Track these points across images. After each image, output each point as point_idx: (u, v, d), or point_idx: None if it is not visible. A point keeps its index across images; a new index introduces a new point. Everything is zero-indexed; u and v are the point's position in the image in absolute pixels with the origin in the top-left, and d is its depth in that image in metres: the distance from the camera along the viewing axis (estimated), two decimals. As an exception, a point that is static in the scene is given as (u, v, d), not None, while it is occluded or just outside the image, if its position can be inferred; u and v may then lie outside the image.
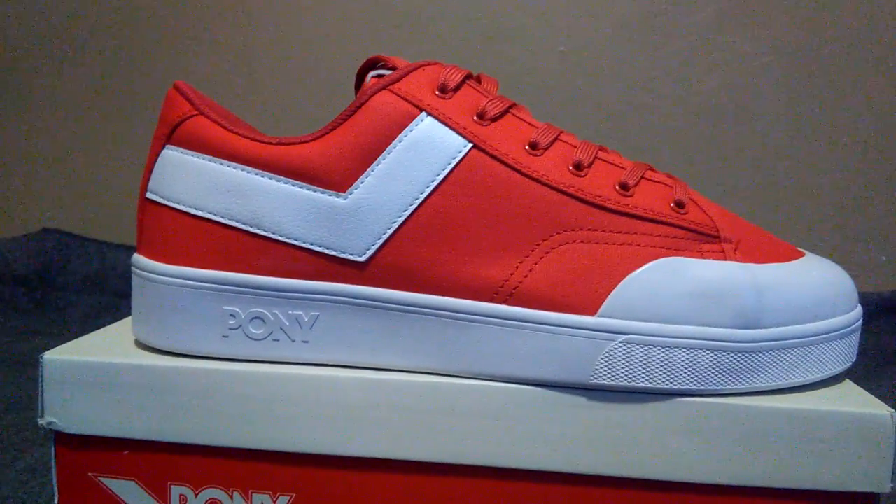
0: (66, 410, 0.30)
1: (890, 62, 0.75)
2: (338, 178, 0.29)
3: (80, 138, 0.89)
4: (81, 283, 0.84)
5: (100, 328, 0.36)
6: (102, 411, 0.30)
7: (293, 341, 0.30)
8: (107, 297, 0.82)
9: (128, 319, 0.36)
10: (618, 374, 0.28)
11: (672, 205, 0.30)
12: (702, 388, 0.28)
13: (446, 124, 0.29)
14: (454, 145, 0.29)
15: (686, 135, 0.78)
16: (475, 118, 0.30)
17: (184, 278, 0.30)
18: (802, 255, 0.32)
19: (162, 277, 0.30)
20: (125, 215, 0.88)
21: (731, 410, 0.28)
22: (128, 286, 0.35)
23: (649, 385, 0.28)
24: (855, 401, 0.29)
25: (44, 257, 0.85)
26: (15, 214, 0.91)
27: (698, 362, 0.28)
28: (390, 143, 0.29)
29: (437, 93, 0.30)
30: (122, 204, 0.88)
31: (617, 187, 0.30)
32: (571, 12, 0.79)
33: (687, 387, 0.28)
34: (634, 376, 0.28)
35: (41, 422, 0.30)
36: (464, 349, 0.29)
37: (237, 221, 0.30)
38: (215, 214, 0.30)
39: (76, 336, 0.33)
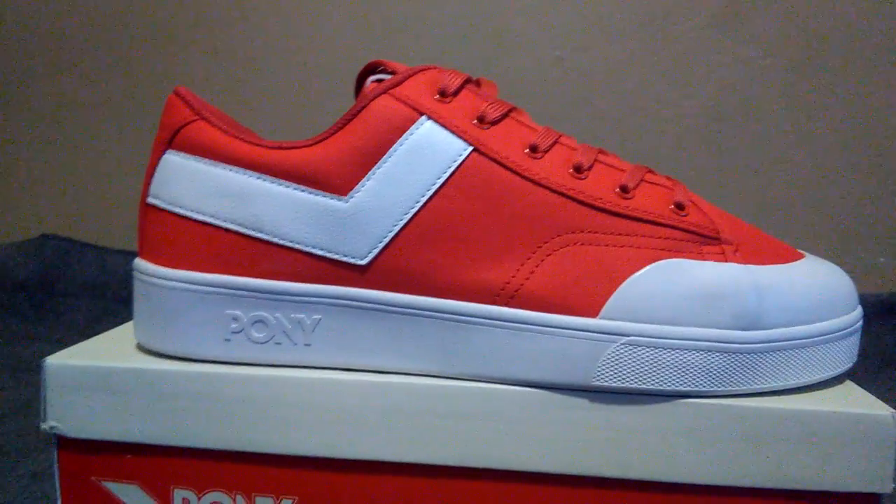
0: (68, 415, 0.30)
1: (888, 64, 0.75)
2: (339, 182, 0.29)
3: (78, 144, 0.89)
4: (81, 289, 0.84)
5: (99, 333, 0.35)
6: (105, 416, 0.30)
7: (295, 345, 0.30)
8: (106, 303, 0.82)
9: (130, 324, 0.36)
10: (619, 376, 0.28)
11: (672, 207, 0.30)
12: (703, 389, 0.28)
13: (446, 128, 0.29)
14: (454, 149, 0.29)
15: (684, 138, 0.78)
16: (475, 122, 0.30)
17: (186, 282, 0.30)
18: (802, 256, 0.32)
19: (164, 282, 0.31)
20: (124, 220, 0.88)
21: (733, 412, 0.28)
22: (127, 291, 0.35)
23: (651, 387, 0.28)
24: (856, 401, 0.29)
25: (43, 263, 0.85)
26: (14, 220, 0.91)
27: (699, 364, 0.28)
28: (391, 146, 0.29)
29: (436, 97, 0.30)
30: (121, 209, 0.89)
31: (617, 190, 0.30)
32: (568, 17, 0.79)
33: (688, 388, 0.28)
34: (636, 378, 0.28)
35: (44, 426, 0.30)
36: (466, 352, 0.29)
37: (239, 225, 0.30)
38: (217, 218, 0.30)
39: (76, 341, 0.33)
